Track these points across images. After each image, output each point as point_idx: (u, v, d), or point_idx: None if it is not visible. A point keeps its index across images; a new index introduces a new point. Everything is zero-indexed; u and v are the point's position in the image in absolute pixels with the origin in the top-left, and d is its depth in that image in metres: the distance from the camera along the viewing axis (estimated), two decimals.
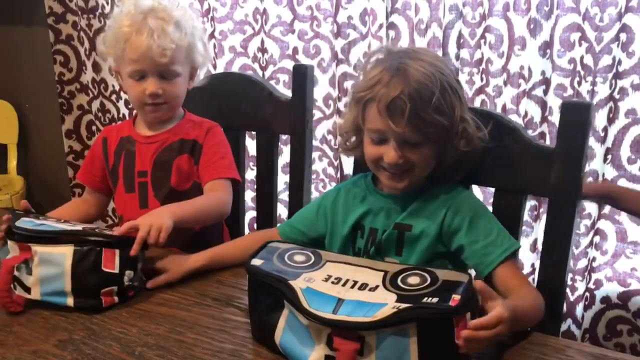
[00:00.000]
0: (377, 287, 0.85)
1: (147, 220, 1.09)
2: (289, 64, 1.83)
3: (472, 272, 1.03)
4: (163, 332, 0.98)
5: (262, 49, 1.87)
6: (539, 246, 1.45)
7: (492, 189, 1.19)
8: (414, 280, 0.84)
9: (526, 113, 1.52)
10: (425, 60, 1.00)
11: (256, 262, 0.91)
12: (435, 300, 0.78)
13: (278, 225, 1.22)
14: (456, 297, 0.78)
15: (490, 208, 1.16)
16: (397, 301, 0.80)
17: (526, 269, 1.64)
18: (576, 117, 1.06)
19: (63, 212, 1.33)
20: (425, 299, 0.79)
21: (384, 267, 0.89)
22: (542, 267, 1.14)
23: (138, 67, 1.26)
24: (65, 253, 1.03)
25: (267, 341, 0.90)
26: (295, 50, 1.83)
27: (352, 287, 0.85)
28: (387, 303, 0.79)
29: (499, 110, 1.58)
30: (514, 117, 1.56)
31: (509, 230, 1.11)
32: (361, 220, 1.11)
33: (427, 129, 0.99)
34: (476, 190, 1.60)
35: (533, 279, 1.52)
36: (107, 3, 2.02)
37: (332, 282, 0.86)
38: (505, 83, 1.56)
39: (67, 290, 1.03)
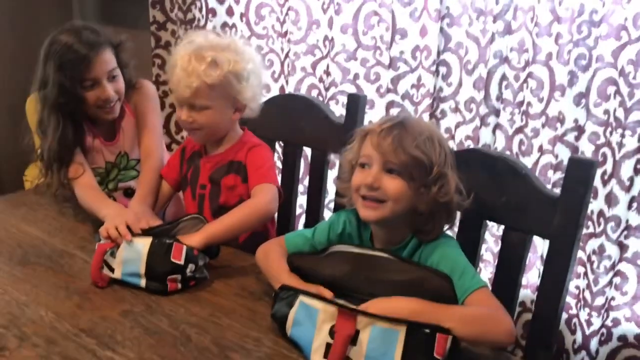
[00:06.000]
0: None
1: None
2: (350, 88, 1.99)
3: None
4: (204, 314, 1.17)
5: (327, 72, 2.03)
6: None
7: (502, 226, 1.31)
8: None
9: (557, 156, 1.62)
10: (422, 123, 1.16)
11: None
12: None
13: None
14: None
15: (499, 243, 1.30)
16: None
17: None
18: (580, 172, 1.17)
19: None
20: None
21: None
22: (538, 303, 1.26)
23: (174, 98, 1.45)
24: (144, 243, 1.26)
25: (283, 332, 1.09)
26: (356, 75, 1.98)
27: None
28: None
29: (535, 150, 1.68)
30: (548, 157, 1.66)
31: (511, 265, 1.26)
32: None
33: (407, 158, 1.10)
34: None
35: None
36: (203, 17, 2.25)
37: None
38: (543, 125, 1.65)
39: (142, 273, 1.24)
